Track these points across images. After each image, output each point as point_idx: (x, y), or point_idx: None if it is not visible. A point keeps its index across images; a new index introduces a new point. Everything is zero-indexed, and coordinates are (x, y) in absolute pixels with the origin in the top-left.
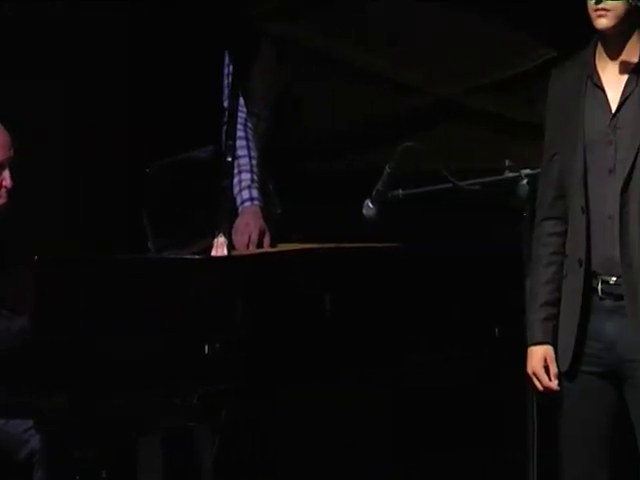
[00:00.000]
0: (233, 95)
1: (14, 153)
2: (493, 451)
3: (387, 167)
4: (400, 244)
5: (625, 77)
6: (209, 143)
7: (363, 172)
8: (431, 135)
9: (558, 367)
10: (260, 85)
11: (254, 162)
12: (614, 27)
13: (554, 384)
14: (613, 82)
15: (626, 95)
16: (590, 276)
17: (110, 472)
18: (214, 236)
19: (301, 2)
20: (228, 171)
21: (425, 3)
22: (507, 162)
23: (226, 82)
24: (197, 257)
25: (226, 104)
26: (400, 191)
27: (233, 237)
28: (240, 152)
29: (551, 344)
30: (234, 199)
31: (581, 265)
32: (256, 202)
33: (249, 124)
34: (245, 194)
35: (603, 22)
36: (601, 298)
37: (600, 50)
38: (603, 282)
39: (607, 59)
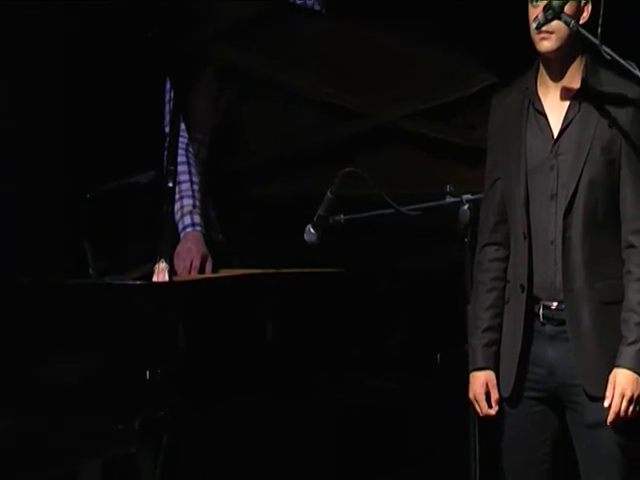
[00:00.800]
0: (174, 121)
1: None
2: (436, 476)
3: (329, 192)
4: (341, 269)
5: (567, 102)
6: (150, 168)
7: (305, 197)
8: (373, 160)
9: (500, 392)
10: (201, 111)
11: (196, 187)
12: (557, 50)
13: (493, 410)
14: (554, 107)
15: (568, 120)
16: (532, 301)
17: None
18: (155, 262)
19: (241, 28)
20: (169, 197)
21: (368, 29)
22: (448, 187)
23: (167, 108)
24: (138, 282)
25: (167, 129)
26: (342, 216)
27: (175, 263)
28: (181, 177)
29: (493, 369)
30: (176, 225)
31: (523, 290)
32: (198, 228)
33: (190, 149)
34: (187, 220)
35: (546, 45)
36: (542, 323)
37: (541, 75)
38: (545, 307)
39: (548, 84)
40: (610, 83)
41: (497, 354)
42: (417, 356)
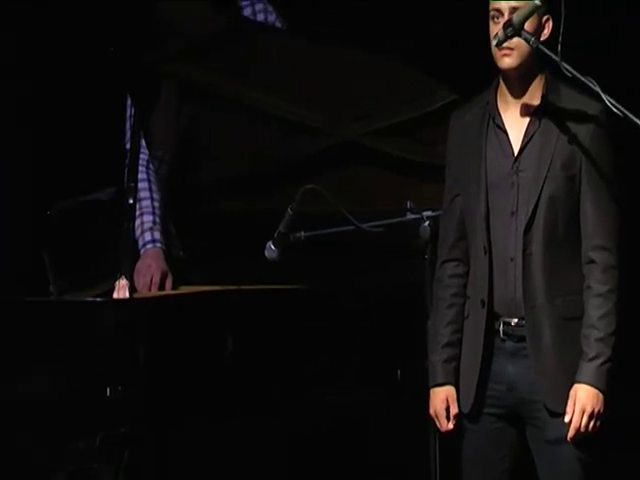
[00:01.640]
0: (134, 137)
1: None
2: None
3: (289, 209)
4: (302, 286)
5: (527, 119)
6: (111, 185)
7: (265, 214)
8: (333, 177)
9: (460, 408)
10: (162, 127)
11: (156, 204)
12: (518, 67)
13: (452, 426)
14: (515, 123)
15: (528, 137)
16: (492, 318)
17: None
18: (116, 278)
19: (202, 45)
20: (130, 213)
21: (329, 46)
22: (409, 204)
23: (128, 124)
24: (99, 299)
25: (128, 146)
26: (302, 233)
27: (135, 279)
28: (142, 194)
29: (453, 385)
30: (136, 241)
31: (484, 306)
32: (158, 244)
33: (151, 166)
34: (147, 236)
35: (507, 61)
36: (503, 340)
37: (502, 91)
38: (505, 324)
39: (509, 100)
40: (570, 99)
41: (457, 370)
42: (377, 372)
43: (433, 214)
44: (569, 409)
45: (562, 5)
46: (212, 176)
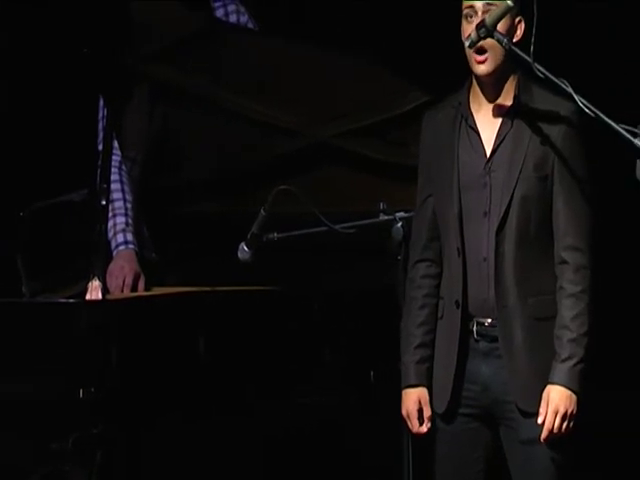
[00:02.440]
0: (107, 138)
1: None
2: None
3: (262, 210)
4: (275, 287)
5: (499, 119)
6: (83, 186)
7: (238, 215)
8: (306, 178)
9: (434, 409)
10: (134, 128)
11: (129, 205)
12: (494, 72)
13: (425, 427)
14: (487, 124)
15: (501, 137)
16: (466, 318)
17: None
18: (88, 280)
19: (175, 46)
20: (102, 215)
21: (302, 47)
22: (382, 205)
23: (100, 125)
24: (71, 301)
25: (100, 147)
26: (275, 234)
27: (107, 281)
28: (114, 195)
29: (425, 386)
30: (108, 243)
31: (458, 307)
32: (130, 246)
33: (123, 167)
34: (120, 238)
35: (483, 68)
36: (476, 340)
37: (474, 92)
38: (478, 324)
39: (481, 101)
40: (543, 100)
41: (430, 371)
42: (351, 373)
43: (406, 215)
44: (542, 410)
45: (534, 6)
46: (185, 177)
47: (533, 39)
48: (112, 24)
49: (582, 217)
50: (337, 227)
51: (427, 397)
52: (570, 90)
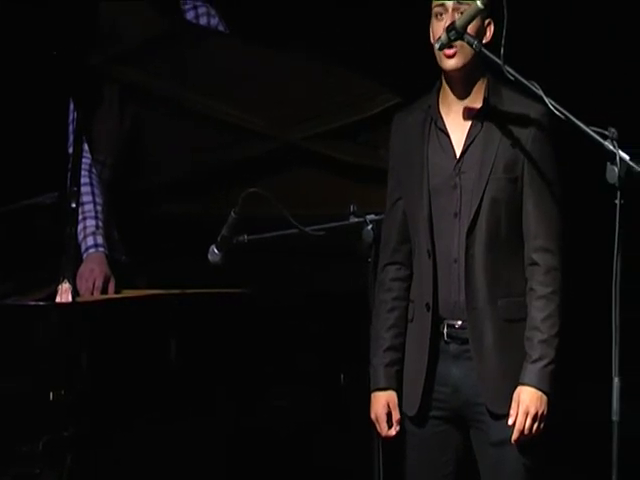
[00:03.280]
0: (77, 141)
1: None
2: None
3: (232, 212)
4: (245, 289)
5: (469, 121)
6: (53, 189)
7: (208, 217)
8: (277, 180)
9: (404, 412)
10: (105, 131)
11: (99, 208)
12: (462, 67)
13: (393, 431)
14: (457, 126)
15: (471, 139)
16: (437, 320)
17: None
18: (59, 282)
19: (145, 48)
20: (72, 217)
21: (272, 50)
22: (352, 207)
23: (70, 128)
24: (41, 303)
25: (70, 150)
26: (245, 236)
27: (77, 283)
28: (84, 198)
29: (395, 389)
30: (78, 245)
31: (429, 309)
32: (101, 249)
33: (94, 170)
34: (90, 240)
35: (451, 63)
36: (447, 342)
37: (444, 94)
38: (449, 326)
39: (451, 103)
40: (512, 102)
41: (399, 374)
42: (321, 375)
43: (376, 217)
44: (513, 411)
45: (504, 9)
46: (155, 179)
47: (503, 41)
48: (81, 26)
49: (552, 219)
50: (307, 229)
51: (396, 400)
52: (540, 92)
